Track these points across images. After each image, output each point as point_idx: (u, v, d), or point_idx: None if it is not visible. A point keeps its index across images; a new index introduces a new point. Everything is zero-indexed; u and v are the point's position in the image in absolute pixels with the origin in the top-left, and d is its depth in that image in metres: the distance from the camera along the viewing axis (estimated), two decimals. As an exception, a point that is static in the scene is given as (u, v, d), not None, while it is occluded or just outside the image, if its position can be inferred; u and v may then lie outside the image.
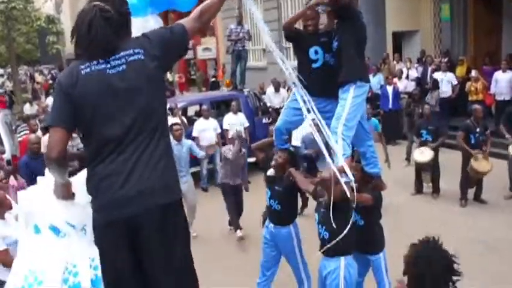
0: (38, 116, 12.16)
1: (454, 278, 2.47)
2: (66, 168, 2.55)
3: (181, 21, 2.73)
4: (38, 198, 2.69)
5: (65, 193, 2.61)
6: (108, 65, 2.45)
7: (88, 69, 2.44)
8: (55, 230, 2.63)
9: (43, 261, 2.60)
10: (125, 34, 2.55)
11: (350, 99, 3.86)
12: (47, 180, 2.72)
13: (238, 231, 7.49)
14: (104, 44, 2.41)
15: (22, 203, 2.75)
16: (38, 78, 33.36)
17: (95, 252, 2.63)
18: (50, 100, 18.88)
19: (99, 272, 2.63)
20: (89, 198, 2.58)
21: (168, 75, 27.84)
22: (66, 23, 49.74)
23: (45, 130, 8.53)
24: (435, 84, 12.16)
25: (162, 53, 2.56)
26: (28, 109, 16.66)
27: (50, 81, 31.75)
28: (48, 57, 46.29)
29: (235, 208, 7.55)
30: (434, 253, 2.48)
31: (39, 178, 2.79)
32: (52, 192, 2.64)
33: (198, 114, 11.40)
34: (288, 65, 3.75)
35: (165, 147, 2.57)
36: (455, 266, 2.48)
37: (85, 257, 2.66)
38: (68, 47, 49.53)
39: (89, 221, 2.61)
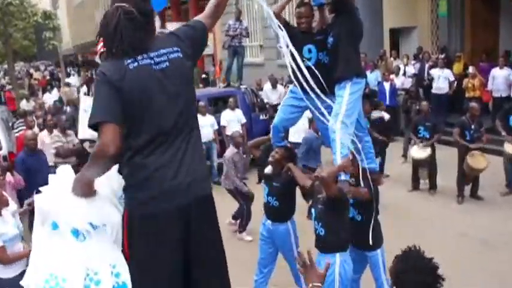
0: (35, 112, 12.12)
1: (440, 283, 2.51)
2: (112, 165, 2.56)
3: (199, 18, 2.85)
4: (57, 198, 2.58)
5: (88, 190, 2.56)
6: (152, 61, 2.54)
7: (136, 64, 2.50)
8: (75, 233, 2.55)
9: (64, 266, 2.52)
10: (151, 31, 2.61)
11: (347, 96, 3.87)
12: (61, 178, 2.67)
13: (244, 233, 7.50)
14: (131, 44, 2.47)
15: (39, 203, 2.63)
16: (35, 74, 33.24)
17: (115, 257, 2.61)
18: (47, 96, 18.87)
19: (120, 280, 2.60)
20: (111, 193, 2.60)
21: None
22: (63, 19, 49.61)
23: (50, 127, 8.51)
24: (420, 82, 12.22)
25: (193, 51, 2.72)
26: (25, 105, 16.61)
27: (48, 78, 31.70)
28: (45, 53, 46.20)
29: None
30: (419, 262, 2.52)
31: (50, 176, 2.73)
32: (71, 190, 2.55)
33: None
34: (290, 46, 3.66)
35: (200, 140, 2.77)
36: (439, 271, 2.51)
37: (106, 263, 2.59)
38: (65, 43, 49.49)
39: (109, 220, 2.59)
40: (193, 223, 2.59)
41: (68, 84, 21.71)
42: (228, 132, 9.39)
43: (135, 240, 2.60)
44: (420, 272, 2.46)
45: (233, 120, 10.18)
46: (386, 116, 9.39)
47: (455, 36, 14.22)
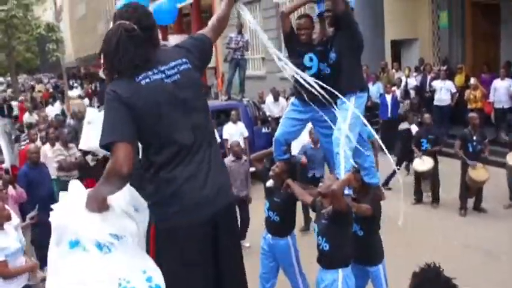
0: (38, 126, 12.15)
1: None
2: (126, 183, 2.55)
3: (203, 31, 2.92)
4: (72, 214, 2.55)
5: (102, 205, 2.55)
6: (163, 75, 2.55)
7: (147, 80, 2.51)
8: (99, 246, 2.52)
9: (95, 281, 2.48)
10: (155, 46, 2.63)
11: (350, 110, 3.86)
12: (73, 194, 2.67)
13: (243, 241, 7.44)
14: (134, 61, 2.47)
15: (55, 221, 2.59)
16: (38, 86, 33.38)
17: (144, 262, 2.60)
18: (49, 109, 18.91)
19: (153, 283, 2.58)
20: (125, 205, 2.60)
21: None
22: (66, 31, 49.83)
23: (52, 140, 8.50)
24: (407, 94, 12.25)
25: (200, 63, 2.77)
26: (27, 118, 16.64)
27: (51, 90, 31.80)
28: (48, 65, 46.39)
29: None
30: (437, 279, 2.47)
31: (62, 193, 2.72)
32: (85, 206, 2.54)
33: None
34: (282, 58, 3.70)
35: (219, 150, 2.86)
36: None
37: (137, 270, 2.56)
38: (67, 55, 49.71)
39: (126, 231, 2.58)
40: (221, 231, 2.67)
41: (79, 96, 21.78)
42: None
43: (166, 253, 2.62)
44: None
45: (235, 133, 10.16)
46: (414, 129, 9.39)
47: (456, 48, 14.25)
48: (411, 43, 15.82)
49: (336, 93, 3.61)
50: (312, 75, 4.07)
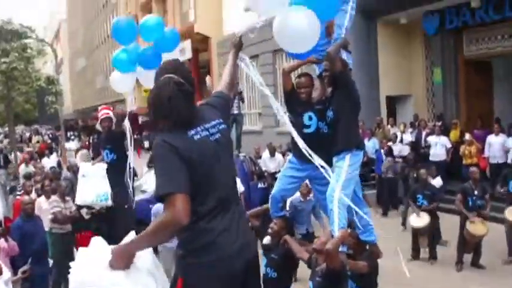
0: (34, 177, 12.09)
1: None
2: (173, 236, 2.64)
3: (222, 89, 3.11)
4: (96, 272, 2.50)
5: (130, 261, 2.54)
6: (208, 132, 2.68)
7: (198, 136, 2.63)
8: None
9: None
10: (194, 100, 2.75)
11: (346, 167, 3.89)
12: (93, 251, 2.62)
13: None
14: (184, 115, 2.58)
15: (76, 279, 2.54)
16: (35, 138, 33.47)
17: None
18: (45, 161, 18.86)
19: None
20: (150, 263, 2.63)
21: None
22: (65, 83, 50.46)
23: (48, 193, 8.44)
24: (390, 152, 12.35)
25: (228, 121, 2.94)
26: (24, 169, 16.58)
27: (48, 142, 31.86)
28: (46, 117, 46.69)
29: None
30: None
31: (80, 250, 2.67)
32: (109, 263, 2.49)
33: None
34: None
35: (243, 208, 2.99)
36: None
37: None
38: (66, 107, 50.18)
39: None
40: (248, 283, 2.74)
41: (78, 149, 21.78)
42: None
43: None
44: None
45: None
46: (438, 183, 9.39)
47: (450, 104, 14.47)
48: (406, 99, 16.06)
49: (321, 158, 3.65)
50: (310, 134, 4.14)
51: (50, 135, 40.63)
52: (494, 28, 13.19)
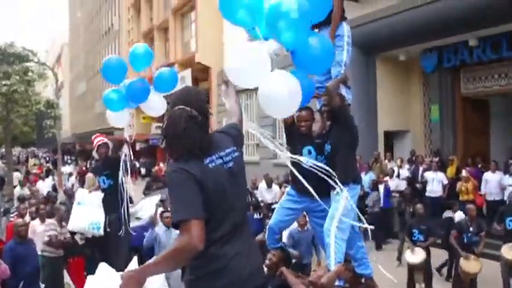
0: (29, 200, 12.03)
1: None
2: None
3: (236, 122, 3.17)
4: None
5: (141, 287, 2.55)
6: (222, 160, 2.74)
7: (213, 163, 2.69)
8: None
9: None
10: (208, 131, 2.81)
11: (343, 201, 3.90)
12: (101, 277, 2.61)
13: None
14: (198, 145, 2.64)
15: None
16: (31, 160, 33.40)
17: None
18: (40, 184, 18.80)
19: None
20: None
21: (162, 165, 28.10)
22: (64, 107, 50.57)
23: (42, 216, 8.39)
24: (374, 185, 12.36)
25: (241, 150, 2.98)
26: (19, 191, 16.52)
27: (47, 165, 31.75)
28: (44, 140, 46.65)
29: None
30: None
31: (89, 278, 2.66)
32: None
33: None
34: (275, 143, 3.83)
35: (252, 233, 3.07)
36: None
37: None
38: (64, 131, 50.22)
39: None
40: None
41: (70, 174, 21.71)
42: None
43: None
44: None
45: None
46: (459, 216, 9.38)
47: (447, 141, 14.57)
48: (404, 134, 16.15)
49: (320, 192, 3.67)
50: (310, 168, 4.15)
51: (47, 159, 40.54)
52: (492, 67, 13.40)
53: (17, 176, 22.09)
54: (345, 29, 4.31)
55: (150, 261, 2.59)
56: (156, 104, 6.42)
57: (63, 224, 8.35)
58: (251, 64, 3.29)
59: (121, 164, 6.74)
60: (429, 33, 12.55)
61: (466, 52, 13.16)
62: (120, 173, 6.78)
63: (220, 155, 2.74)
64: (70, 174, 21.28)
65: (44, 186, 17.91)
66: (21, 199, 11.97)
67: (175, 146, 2.67)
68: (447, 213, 9.40)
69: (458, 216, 9.56)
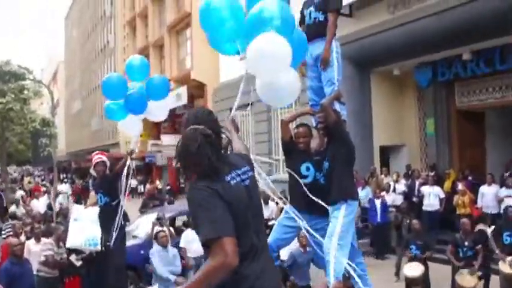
0: (24, 219, 11.93)
1: None
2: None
3: (242, 149, 3.22)
4: None
5: None
6: (240, 178, 2.73)
7: (234, 181, 2.69)
8: None
9: None
10: (221, 150, 2.82)
11: (341, 219, 3.90)
12: None
13: None
14: (213, 162, 2.61)
15: None
16: (27, 178, 33.23)
17: None
18: (35, 203, 18.64)
19: None
20: None
21: (158, 182, 28.03)
22: (60, 125, 50.48)
23: (38, 235, 8.33)
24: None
25: (253, 171, 2.96)
26: (13, 209, 16.36)
27: (43, 183, 31.59)
28: (39, 158, 46.57)
29: None
30: None
31: None
32: None
33: (186, 224, 11.25)
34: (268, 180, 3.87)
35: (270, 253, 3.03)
36: None
37: None
38: (59, 149, 50.07)
39: None
40: None
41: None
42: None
43: None
44: None
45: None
46: (489, 231, 9.35)
47: (443, 154, 14.57)
48: (399, 149, 16.16)
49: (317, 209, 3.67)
50: (308, 184, 4.17)
51: (43, 177, 40.38)
52: (486, 80, 13.46)
53: (20, 194, 21.90)
54: (334, 44, 4.35)
55: (187, 283, 2.51)
56: (157, 109, 6.56)
57: (61, 244, 8.30)
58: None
59: (123, 177, 6.83)
60: (423, 47, 12.63)
61: (460, 66, 13.23)
62: (125, 183, 6.86)
63: (238, 172, 2.74)
64: (57, 195, 21.07)
65: (39, 205, 17.78)
66: (12, 216, 11.88)
67: (190, 165, 2.66)
68: (479, 226, 9.37)
69: (491, 230, 9.48)
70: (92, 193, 8.44)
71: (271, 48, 3.50)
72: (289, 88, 3.89)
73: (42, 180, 35.23)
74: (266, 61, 3.53)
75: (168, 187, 27.20)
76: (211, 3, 3.69)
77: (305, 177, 4.30)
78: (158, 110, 6.63)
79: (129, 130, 6.77)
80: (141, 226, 10.61)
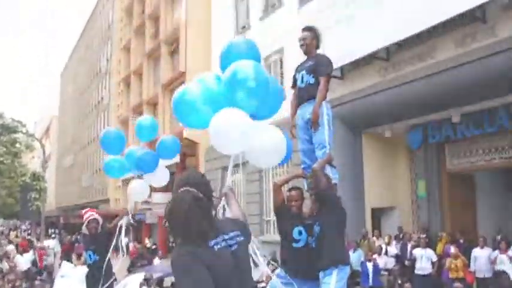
0: (7, 276, 11.61)
1: None
2: None
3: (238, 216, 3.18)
4: None
5: None
6: (225, 243, 2.71)
7: (219, 246, 2.67)
8: None
9: None
10: (212, 214, 2.81)
11: (333, 284, 3.85)
12: None
13: None
14: (201, 227, 2.62)
15: None
16: (12, 233, 32.64)
17: None
18: (19, 258, 18.16)
19: None
20: None
21: (147, 241, 27.59)
22: (50, 180, 50.07)
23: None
24: None
25: (246, 236, 2.93)
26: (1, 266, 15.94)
27: (28, 238, 31.00)
28: (28, 213, 45.86)
29: None
30: None
31: None
32: None
33: (174, 285, 11.01)
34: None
35: None
36: None
37: None
38: (48, 203, 49.40)
39: None
40: None
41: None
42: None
43: None
44: None
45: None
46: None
47: (435, 216, 14.51)
48: (391, 211, 16.06)
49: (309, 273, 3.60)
50: (300, 248, 4.13)
51: (29, 231, 39.67)
52: (476, 142, 13.61)
53: (11, 248, 21.38)
54: (324, 107, 4.40)
55: None
56: (161, 174, 6.65)
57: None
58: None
59: (116, 234, 6.80)
60: (413, 110, 12.81)
61: (450, 128, 13.41)
62: (122, 239, 6.80)
63: (225, 237, 2.73)
64: (40, 249, 20.68)
65: (23, 261, 17.34)
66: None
67: (179, 227, 2.66)
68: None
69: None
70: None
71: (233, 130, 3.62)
72: (272, 148, 3.92)
73: (29, 235, 34.56)
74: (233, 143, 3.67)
75: (154, 246, 26.74)
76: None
77: (297, 241, 4.26)
78: (162, 172, 6.72)
79: (139, 195, 6.83)
80: (129, 284, 10.38)
